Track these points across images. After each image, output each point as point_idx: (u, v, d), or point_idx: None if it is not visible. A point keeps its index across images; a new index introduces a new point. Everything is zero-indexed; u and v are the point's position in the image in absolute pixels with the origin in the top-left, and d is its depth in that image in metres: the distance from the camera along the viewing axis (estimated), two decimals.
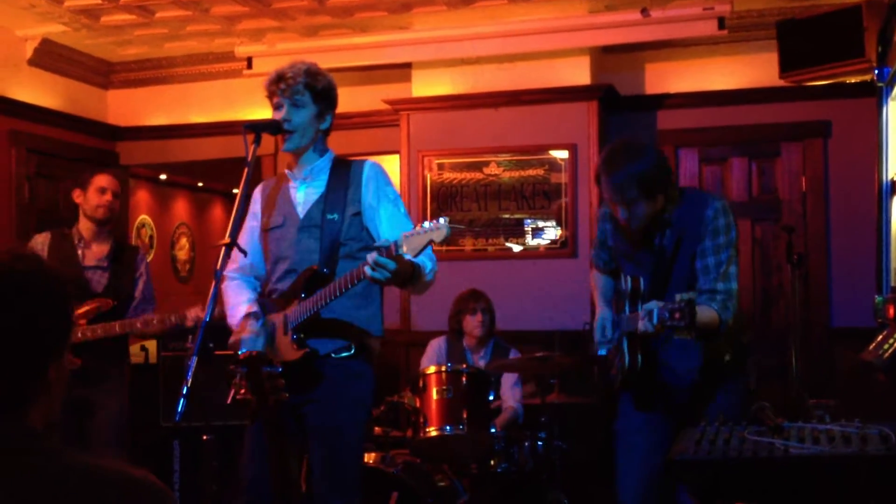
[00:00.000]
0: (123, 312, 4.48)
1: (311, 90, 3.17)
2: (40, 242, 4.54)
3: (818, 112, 5.82)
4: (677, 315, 2.72)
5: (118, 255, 4.60)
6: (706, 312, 3.00)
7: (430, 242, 2.75)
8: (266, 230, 3.29)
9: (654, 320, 2.78)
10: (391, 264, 2.77)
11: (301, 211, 3.22)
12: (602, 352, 3.41)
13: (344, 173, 3.24)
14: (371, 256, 2.78)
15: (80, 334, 4.25)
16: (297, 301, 3.07)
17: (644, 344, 3.16)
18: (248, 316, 3.18)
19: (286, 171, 3.33)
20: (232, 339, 3.17)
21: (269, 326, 3.17)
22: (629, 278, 3.25)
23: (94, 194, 4.53)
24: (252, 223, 3.36)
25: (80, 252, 4.51)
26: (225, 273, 3.34)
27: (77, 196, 4.59)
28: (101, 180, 4.56)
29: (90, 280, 4.47)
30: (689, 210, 3.17)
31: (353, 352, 3.13)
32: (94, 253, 4.54)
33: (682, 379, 3.21)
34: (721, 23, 5.50)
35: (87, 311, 4.33)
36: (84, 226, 4.56)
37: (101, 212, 4.53)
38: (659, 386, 3.24)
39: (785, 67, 5.53)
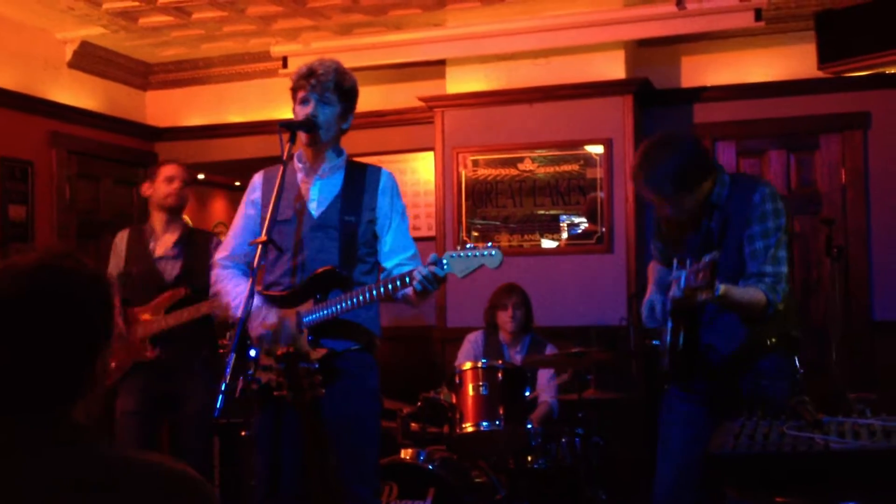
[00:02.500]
0: (202, 300, 4.34)
1: (339, 89, 3.18)
2: (121, 239, 4.60)
3: (857, 103, 5.74)
4: (700, 275, 2.70)
5: (189, 243, 4.54)
6: (751, 292, 2.97)
7: (481, 267, 2.79)
8: (270, 222, 3.20)
9: (682, 284, 2.77)
10: (436, 284, 2.86)
11: (316, 209, 3.22)
12: (655, 341, 3.38)
13: (360, 176, 3.25)
14: (420, 272, 2.85)
15: (156, 326, 4.32)
16: (313, 301, 3.08)
17: (688, 325, 3.13)
18: (260, 309, 3.12)
19: (297, 162, 3.29)
20: (254, 332, 3.10)
21: (281, 321, 3.13)
22: (676, 261, 3.22)
23: (162, 184, 4.52)
24: (250, 211, 3.34)
25: (151, 244, 4.51)
26: (216, 260, 3.38)
27: (146, 189, 4.60)
28: (169, 170, 4.57)
29: (162, 271, 4.45)
30: (737, 195, 3.13)
31: (362, 346, 3.18)
32: (165, 242, 4.52)
33: (725, 362, 3.17)
34: (758, 14, 5.45)
35: (160, 302, 4.35)
36: (155, 217, 4.56)
37: (170, 200, 4.51)
38: (701, 368, 3.20)
39: (823, 58, 5.47)
